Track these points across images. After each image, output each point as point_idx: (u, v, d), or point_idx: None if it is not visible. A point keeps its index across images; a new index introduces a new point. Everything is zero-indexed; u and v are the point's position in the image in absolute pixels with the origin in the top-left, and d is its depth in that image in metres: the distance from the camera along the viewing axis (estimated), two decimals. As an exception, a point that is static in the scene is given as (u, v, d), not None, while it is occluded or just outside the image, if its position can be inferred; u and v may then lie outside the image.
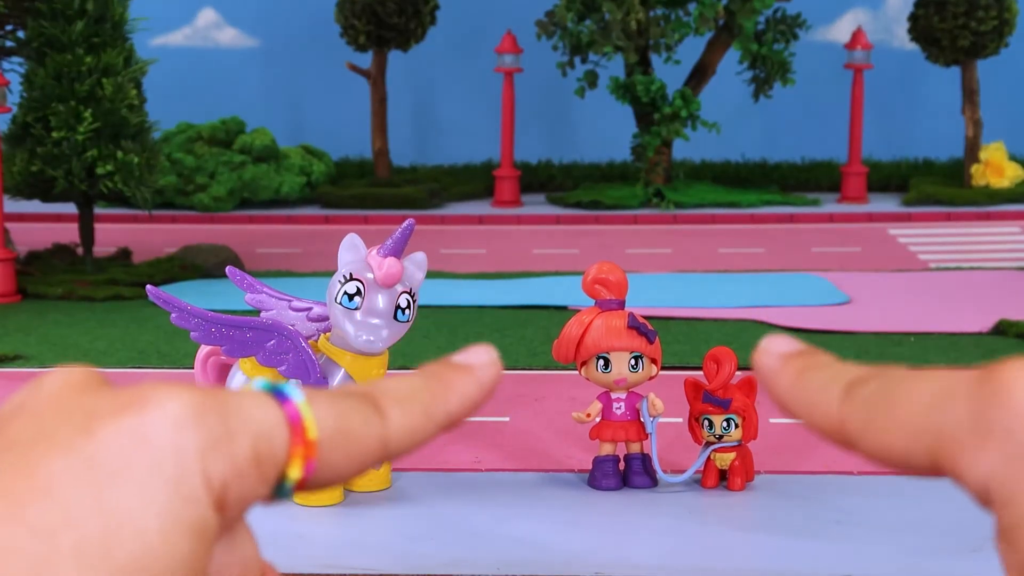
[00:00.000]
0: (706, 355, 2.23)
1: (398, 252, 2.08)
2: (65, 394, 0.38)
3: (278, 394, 0.39)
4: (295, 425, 0.39)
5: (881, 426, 0.40)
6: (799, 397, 0.44)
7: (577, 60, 5.44)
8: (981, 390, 0.38)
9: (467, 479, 2.28)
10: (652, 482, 2.23)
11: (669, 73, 5.39)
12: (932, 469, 0.40)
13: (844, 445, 0.42)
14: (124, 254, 4.28)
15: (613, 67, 5.44)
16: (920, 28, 5.53)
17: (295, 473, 0.39)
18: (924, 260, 4.43)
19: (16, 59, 4.13)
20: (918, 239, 4.84)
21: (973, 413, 0.38)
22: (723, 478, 2.23)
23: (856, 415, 0.41)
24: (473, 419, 2.78)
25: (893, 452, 0.40)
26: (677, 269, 4.30)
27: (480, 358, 0.45)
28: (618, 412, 2.23)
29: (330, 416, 0.40)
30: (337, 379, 2.12)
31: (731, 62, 5.48)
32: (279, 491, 0.40)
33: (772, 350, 0.45)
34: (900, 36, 6.05)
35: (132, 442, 0.36)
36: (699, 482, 2.23)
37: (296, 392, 0.40)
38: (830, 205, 5.39)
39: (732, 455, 2.21)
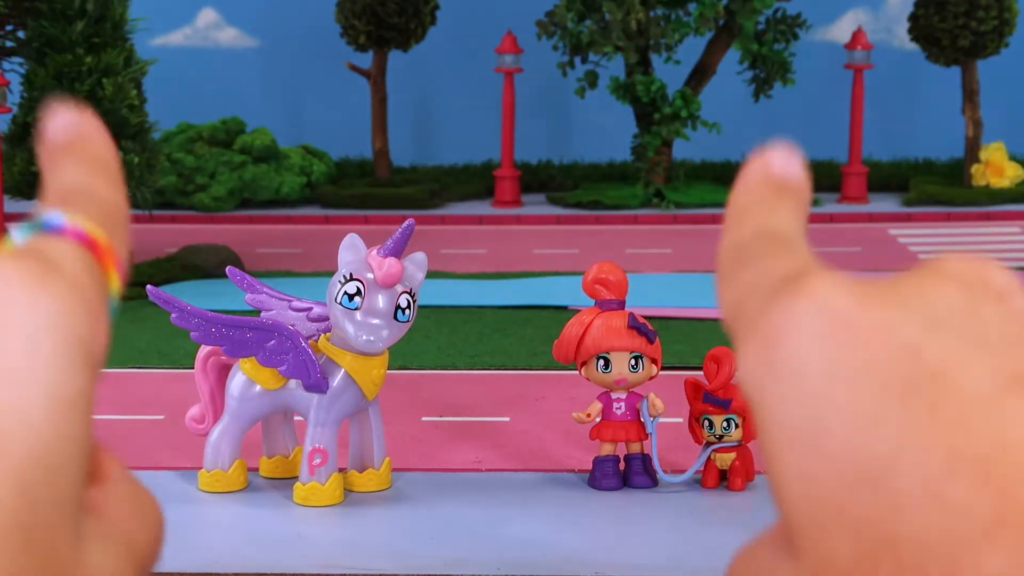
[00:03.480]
0: (706, 355, 2.23)
1: (398, 252, 2.08)
2: None
3: (49, 228, 0.37)
4: (89, 243, 0.37)
5: (724, 283, 0.38)
6: (728, 219, 0.41)
7: (577, 60, 5.44)
8: (781, 288, 0.35)
9: (467, 479, 2.28)
10: (652, 482, 2.23)
11: (669, 73, 5.39)
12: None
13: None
14: (124, 254, 4.28)
15: (613, 67, 5.44)
16: (920, 28, 5.53)
17: (116, 285, 0.37)
18: (924, 260, 4.43)
19: (16, 59, 4.13)
20: (918, 239, 4.84)
21: (763, 305, 0.35)
22: (723, 478, 2.23)
23: (723, 260, 0.39)
24: (473, 419, 2.78)
25: (721, 313, 0.38)
26: (677, 269, 4.30)
27: (69, 123, 0.42)
28: (618, 412, 2.23)
29: (93, 215, 0.38)
30: (337, 379, 2.12)
31: (731, 62, 5.48)
32: (111, 311, 0.37)
33: (763, 166, 0.41)
34: (900, 36, 6.05)
35: None
36: (699, 482, 2.23)
37: (55, 215, 0.37)
38: (830, 205, 5.39)
39: (732, 455, 2.21)
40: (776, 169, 0.41)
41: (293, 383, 2.15)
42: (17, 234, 0.37)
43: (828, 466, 0.32)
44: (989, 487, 0.30)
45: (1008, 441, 0.31)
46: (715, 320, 3.54)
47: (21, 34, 4.08)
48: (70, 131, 0.41)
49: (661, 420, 2.24)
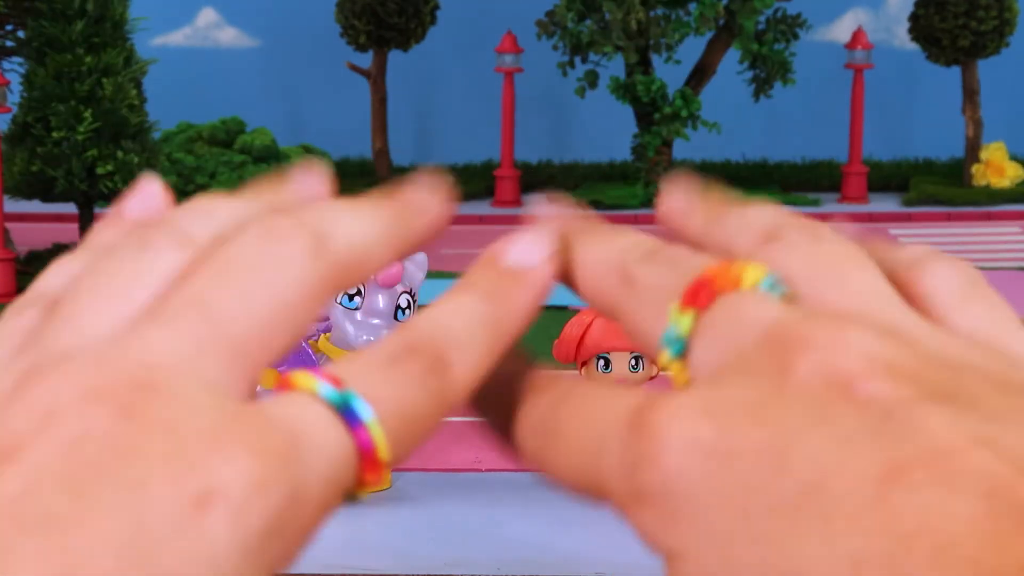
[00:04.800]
0: (706, 355, 2.23)
1: (398, 252, 2.08)
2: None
3: (348, 415, 0.31)
4: (367, 455, 0.32)
5: (551, 453, 0.33)
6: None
7: (577, 60, 5.44)
8: (632, 439, 0.31)
9: (467, 479, 2.28)
10: (652, 482, 2.23)
11: (669, 73, 5.39)
12: (599, 501, 0.33)
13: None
14: (124, 254, 4.29)
15: (613, 67, 5.44)
16: (920, 28, 5.53)
17: (361, 494, 0.32)
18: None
19: (16, 59, 4.13)
20: (918, 239, 4.84)
21: (626, 467, 0.31)
22: (723, 478, 2.23)
23: (525, 437, 0.34)
24: (473, 419, 2.77)
25: (565, 482, 0.33)
26: (677, 269, 4.31)
27: (537, 255, 0.35)
28: (618, 412, 2.24)
29: (395, 414, 0.33)
30: (337, 379, 2.13)
31: (731, 62, 5.48)
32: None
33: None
34: (900, 36, 6.05)
35: (191, 515, 0.28)
36: (699, 482, 2.23)
37: (365, 408, 0.32)
38: (830, 205, 5.39)
39: (732, 455, 2.21)
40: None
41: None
42: (323, 389, 0.31)
43: None
44: None
45: (907, 532, 0.31)
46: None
47: (21, 34, 4.08)
48: (524, 266, 0.34)
49: (661, 420, 2.24)
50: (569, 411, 0.33)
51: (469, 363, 0.33)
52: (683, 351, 0.32)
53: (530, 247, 0.35)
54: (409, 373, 0.33)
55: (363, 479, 0.31)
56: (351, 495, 0.32)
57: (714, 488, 0.30)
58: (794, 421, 0.32)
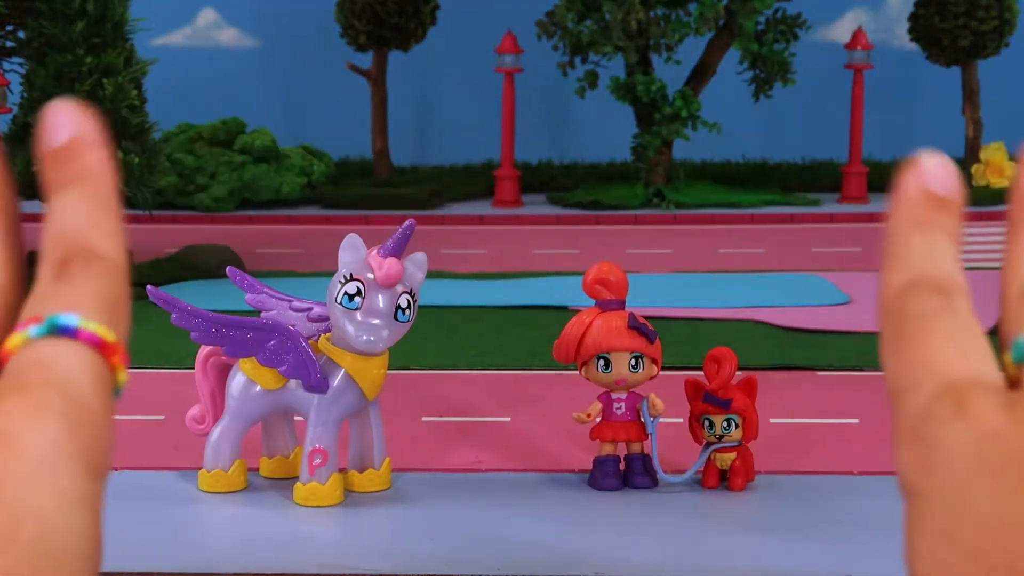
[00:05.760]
0: (706, 355, 2.23)
1: (398, 252, 2.08)
2: None
3: (63, 331, 0.42)
4: (100, 346, 0.42)
5: (888, 351, 0.42)
6: (889, 246, 0.44)
7: (577, 60, 5.44)
8: (943, 399, 0.40)
9: (467, 479, 2.28)
10: (652, 482, 2.23)
11: (669, 73, 5.39)
12: (892, 418, 0.42)
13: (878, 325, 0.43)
14: (124, 254, 4.28)
15: (613, 67, 5.44)
16: (920, 28, 5.53)
17: (123, 378, 0.43)
18: None
19: (16, 59, 4.13)
20: (918, 239, 4.84)
21: (924, 412, 0.40)
22: (723, 478, 2.23)
23: (889, 320, 0.43)
24: (473, 419, 2.78)
25: (884, 374, 0.42)
26: (677, 269, 4.30)
27: (72, 124, 0.45)
28: (618, 412, 2.23)
29: (99, 306, 0.43)
30: (337, 379, 2.12)
31: (731, 62, 5.48)
32: (116, 396, 0.43)
33: (918, 179, 0.45)
34: (900, 36, 6.05)
35: (3, 447, 0.39)
36: (699, 482, 2.23)
37: (69, 317, 0.42)
38: (830, 205, 5.39)
39: (732, 455, 2.21)
40: (933, 182, 0.45)
41: (293, 383, 2.15)
42: (34, 331, 0.42)
43: (969, 523, 0.38)
44: None
45: None
46: (715, 320, 3.54)
47: (21, 34, 4.08)
48: (72, 137, 0.46)
49: (661, 420, 2.24)
50: (929, 333, 0.41)
51: (107, 236, 0.43)
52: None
53: (61, 121, 0.45)
54: (82, 273, 0.43)
55: (113, 363, 0.42)
56: (118, 381, 0.43)
57: (983, 468, 0.38)
58: None
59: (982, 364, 0.42)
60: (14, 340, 0.42)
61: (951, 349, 0.42)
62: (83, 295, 0.43)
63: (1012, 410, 0.39)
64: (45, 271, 0.44)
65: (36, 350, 0.42)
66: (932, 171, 0.44)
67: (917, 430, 0.40)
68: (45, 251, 0.44)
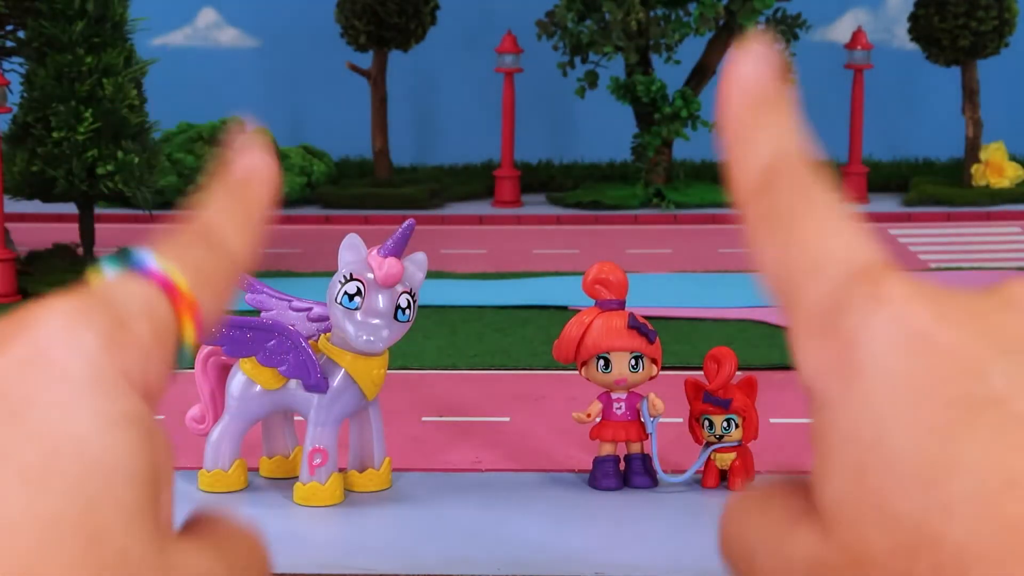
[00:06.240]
0: (706, 355, 2.23)
1: (398, 252, 2.08)
2: None
3: (138, 267, 0.40)
4: (169, 289, 0.40)
5: (765, 240, 0.38)
6: (734, 137, 0.40)
7: (577, 60, 5.44)
8: (855, 286, 0.36)
9: (467, 479, 2.28)
10: (652, 482, 2.23)
11: (669, 73, 5.39)
12: (780, 312, 0.37)
13: (741, 219, 0.39)
14: (124, 254, 4.28)
15: (613, 67, 5.44)
16: (920, 28, 5.53)
17: (190, 334, 0.40)
18: (924, 260, 4.43)
19: (16, 59, 4.13)
20: (918, 239, 4.84)
21: (833, 300, 0.36)
22: (723, 478, 2.23)
23: (756, 210, 0.39)
24: (473, 419, 2.78)
25: (762, 270, 0.38)
26: (677, 269, 4.30)
27: (254, 160, 0.48)
28: (618, 412, 2.23)
29: (189, 267, 0.42)
30: (337, 379, 2.12)
31: (731, 62, 5.47)
32: (180, 356, 0.41)
33: (745, 66, 0.40)
34: (900, 36, 6.05)
35: (33, 365, 0.37)
36: (699, 482, 2.23)
37: (148, 256, 0.41)
38: (830, 205, 5.38)
39: (732, 455, 2.21)
40: (751, 83, 0.40)
41: (293, 383, 2.15)
42: (107, 264, 0.41)
43: (882, 464, 0.33)
44: None
45: None
46: (715, 320, 3.54)
47: (21, 34, 4.08)
48: (247, 172, 0.47)
49: (661, 420, 2.24)
50: (810, 211, 0.37)
51: (235, 233, 0.45)
52: None
53: (246, 158, 0.48)
54: (190, 245, 0.43)
55: (179, 312, 0.40)
56: (183, 335, 0.41)
57: (905, 366, 0.34)
58: (1007, 336, 0.35)
59: (874, 246, 0.37)
60: (92, 272, 0.41)
61: (847, 228, 0.37)
62: (179, 256, 0.42)
63: (932, 303, 0.35)
64: (166, 240, 0.43)
65: (103, 279, 0.40)
66: (745, 72, 0.40)
67: (827, 322, 0.35)
68: (176, 230, 0.44)
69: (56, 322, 0.37)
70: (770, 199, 0.39)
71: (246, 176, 0.47)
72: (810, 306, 0.36)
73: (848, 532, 0.34)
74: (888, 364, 0.35)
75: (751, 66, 0.40)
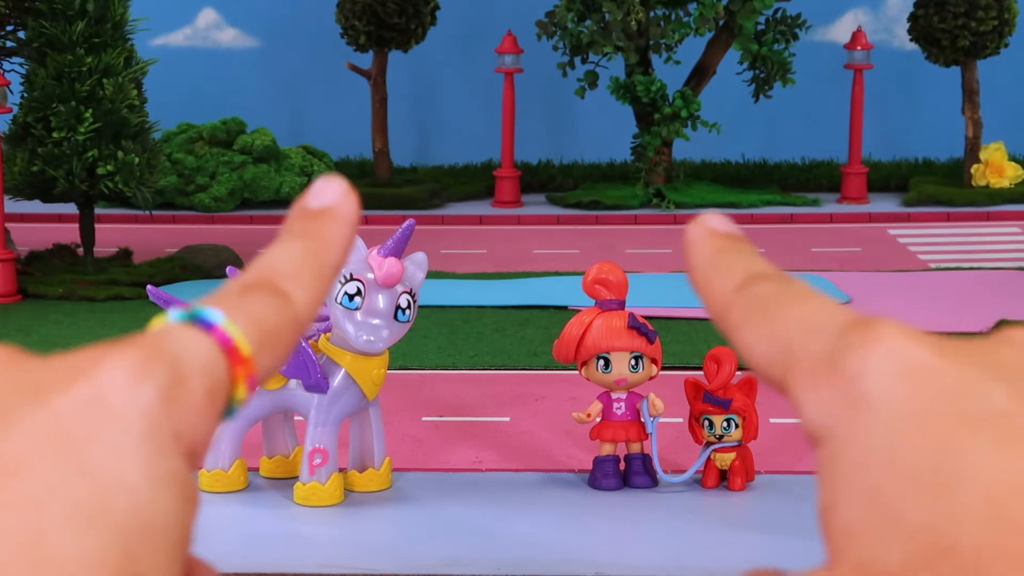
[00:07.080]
0: (706, 355, 2.23)
1: (398, 252, 2.08)
2: None
3: (201, 322, 0.40)
4: (229, 349, 0.40)
5: (755, 327, 0.41)
6: (706, 271, 0.45)
7: (577, 60, 5.44)
8: (849, 333, 0.38)
9: (467, 479, 2.28)
10: (652, 482, 2.23)
11: (669, 73, 5.39)
12: (780, 387, 0.40)
13: (724, 332, 0.43)
14: (124, 254, 4.28)
15: (613, 67, 5.44)
16: (920, 28, 5.53)
17: (242, 394, 0.40)
18: (924, 260, 4.43)
19: (16, 59, 4.13)
20: (918, 239, 4.84)
21: (831, 349, 0.38)
22: (723, 478, 2.23)
23: (740, 307, 0.42)
24: (473, 419, 2.79)
25: (754, 355, 0.41)
26: (677, 269, 4.30)
27: (334, 194, 0.45)
28: (618, 412, 2.24)
29: (251, 324, 0.41)
30: (337, 379, 2.13)
31: (731, 62, 5.48)
32: (227, 414, 0.40)
33: (704, 223, 0.46)
34: (900, 36, 6.05)
35: (93, 407, 0.37)
36: (699, 482, 2.23)
37: (214, 313, 0.41)
38: (830, 205, 5.39)
39: (732, 455, 2.21)
40: (716, 223, 0.47)
41: (293, 383, 2.15)
42: (174, 315, 0.40)
43: (895, 480, 0.36)
44: None
45: None
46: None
47: (21, 34, 4.08)
48: (328, 206, 0.45)
49: (661, 420, 2.24)
50: (794, 301, 0.41)
51: (302, 287, 0.43)
52: None
53: (326, 189, 0.45)
54: (255, 297, 0.42)
55: (235, 372, 0.40)
56: (235, 394, 0.40)
57: (910, 391, 0.36)
58: (1004, 365, 0.38)
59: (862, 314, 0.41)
60: (156, 320, 0.41)
61: (833, 303, 0.40)
62: (243, 310, 0.41)
63: (926, 341, 0.38)
64: (231, 287, 0.43)
65: (166, 329, 0.40)
66: (709, 218, 0.47)
67: (829, 366, 0.38)
68: (243, 274, 0.43)
69: (120, 368, 0.38)
70: (754, 292, 0.42)
71: (323, 214, 0.45)
72: (808, 361, 0.39)
73: (864, 551, 0.36)
74: (893, 390, 0.37)
75: (715, 218, 0.46)
